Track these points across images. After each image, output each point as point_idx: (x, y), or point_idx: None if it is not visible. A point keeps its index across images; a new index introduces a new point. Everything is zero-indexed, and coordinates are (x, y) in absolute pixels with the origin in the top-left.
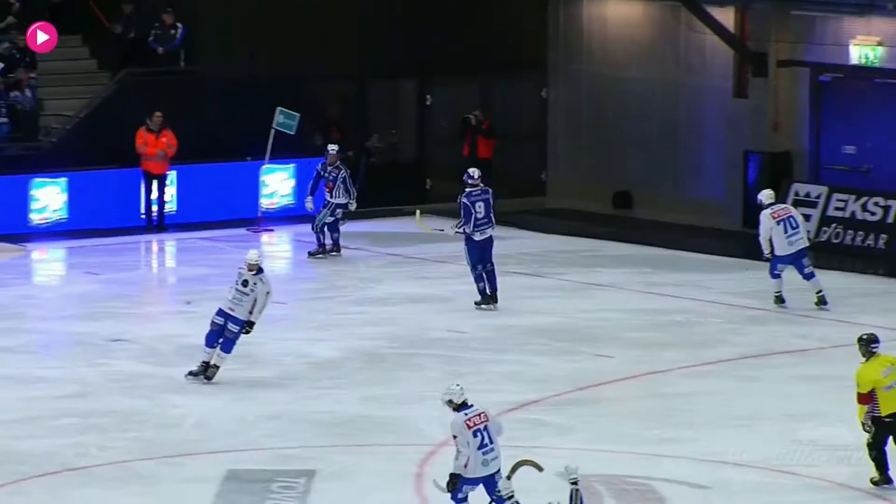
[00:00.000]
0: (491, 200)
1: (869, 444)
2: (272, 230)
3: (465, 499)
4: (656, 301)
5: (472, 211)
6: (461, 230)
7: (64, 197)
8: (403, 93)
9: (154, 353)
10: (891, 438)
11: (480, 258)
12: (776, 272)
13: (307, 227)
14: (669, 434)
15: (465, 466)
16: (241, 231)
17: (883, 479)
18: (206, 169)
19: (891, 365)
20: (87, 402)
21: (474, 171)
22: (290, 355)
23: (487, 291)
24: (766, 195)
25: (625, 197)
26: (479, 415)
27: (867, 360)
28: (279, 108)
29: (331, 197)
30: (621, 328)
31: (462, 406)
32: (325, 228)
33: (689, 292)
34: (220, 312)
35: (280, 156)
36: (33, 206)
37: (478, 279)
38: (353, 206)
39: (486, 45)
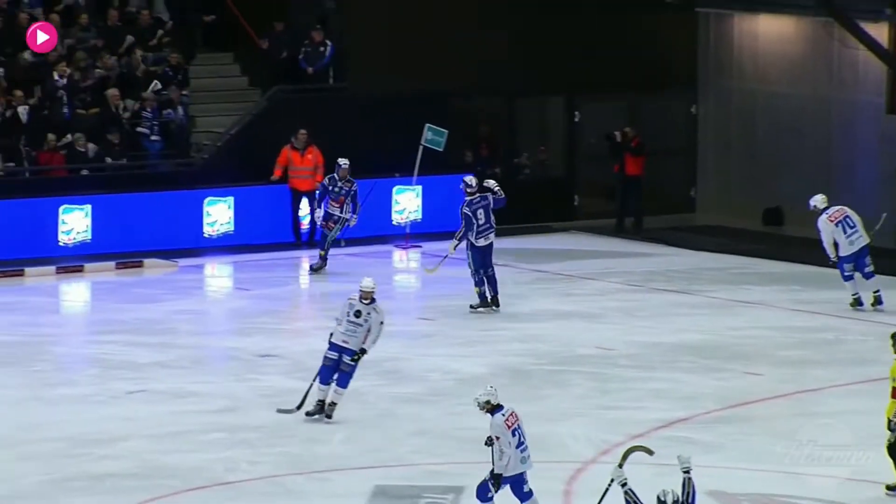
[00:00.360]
0: (491, 205)
1: (892, 446)
2: (420, 246)
3: (492, 498)
4: (806, 319)
5: (474, 220)
6: (459, 242)
7: (230, 213)
8: (552, 109)
9: (303, 369)
10: None
11: (482, 263)
12: (846, 274)
13: (443, 244)
14: (818, 453)
15: (507, 466)
16: (381, 247)
17: None
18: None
19: None
20: (236, 417)
21: (471, 179)
22: (436, 371)
23: (488, 296)
24: (819, 200)
25: (775, 213)
26: (513, 414)
27: None
28: (428, 124)
29: (341, 212)
30: (770, 346)
31: (498, 407)
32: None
33: (839, 310)
34: (333, 347)
35: (427, 172)
36: (205, 220)
37: (479, 283)
38: (352, 223)
39: (635, 62)
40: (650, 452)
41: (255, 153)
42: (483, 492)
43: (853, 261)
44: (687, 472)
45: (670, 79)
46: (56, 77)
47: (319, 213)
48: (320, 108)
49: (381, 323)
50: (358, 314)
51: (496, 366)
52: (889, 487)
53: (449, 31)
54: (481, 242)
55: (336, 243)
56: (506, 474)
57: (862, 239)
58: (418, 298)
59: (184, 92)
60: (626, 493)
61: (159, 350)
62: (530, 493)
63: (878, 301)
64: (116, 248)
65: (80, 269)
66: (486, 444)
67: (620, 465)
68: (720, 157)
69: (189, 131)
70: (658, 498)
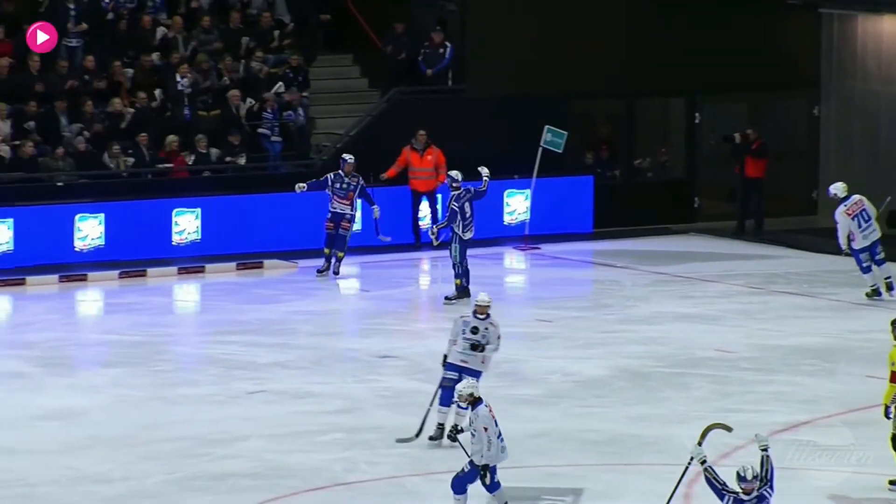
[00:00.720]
0: (473, 199)
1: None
2: (539, 248)
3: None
4: None
5: (461, 213)
6: (443, 229)
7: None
8: (672, 111)
9: (422, 370)
10: None
11: (463, 255)
12: (864, 265)
13: (563, 246)
14: None
15: (493, 456)
16: (492, 249)
17: None
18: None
19: None
20: (354, 418)
21: (457, 174)
22: (556, 373)
23: (465, 285)
24: (839, 188)
25: None
26: (490, 407)
27: None
28: (547, 126)
29: (351, 209)
30: None
31: (479, 400)
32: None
33: None
34: (452, 367)
35: (547, 174)
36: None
37: (460, 275)
38: (376, 214)
39: (756, 63)
40: (728, 429)
41: (374, 154)
42: (459, 484)
43: (868, 251)
44: (765, 449)
45: (792, 80)
46: (178, 79)
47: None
48: (439, 110)
49: (499, 337)
50: (475, 330)
51: (615, 368)
52: (892, 482)
53: (569, 32)
54: (468, 235)
55: (340, 241)
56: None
57: (875, 232)
58: (533, 300)
59: (304, 94)
60: (705, 470)
61: (279, 350)
62: (499, 484)
63: (890, 287)
64: (235, 248)
65: (201, 270)
66: (449, 436)
67: (700, 444)
68: (843, 159)
69: (309, 133)
70: (738, 473)
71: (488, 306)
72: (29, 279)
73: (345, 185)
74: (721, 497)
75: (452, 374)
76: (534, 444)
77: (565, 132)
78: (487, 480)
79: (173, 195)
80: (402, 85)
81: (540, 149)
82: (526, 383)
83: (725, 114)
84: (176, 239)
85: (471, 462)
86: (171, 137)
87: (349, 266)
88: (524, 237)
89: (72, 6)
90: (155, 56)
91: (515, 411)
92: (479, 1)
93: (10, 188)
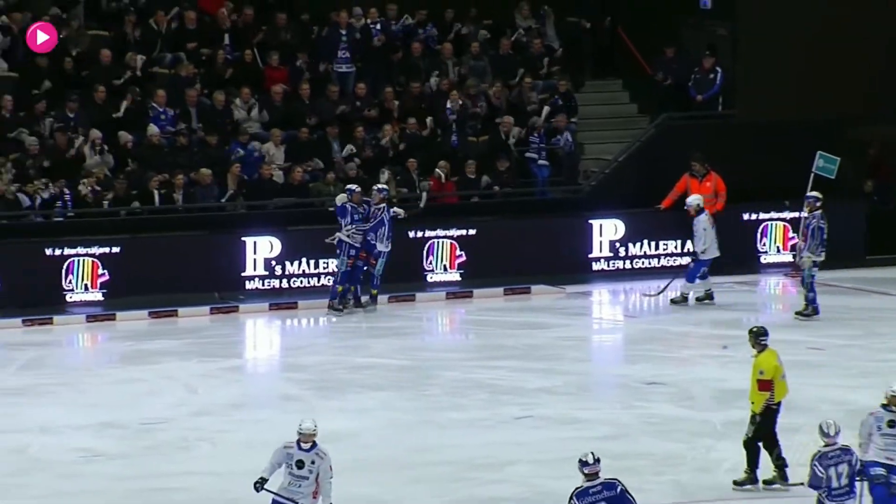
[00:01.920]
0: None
1: (749, 440)
2: (796, 275)
3: None
4: None
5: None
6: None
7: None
8: None
9: (689, 397)
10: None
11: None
12: (701, 274)
13: (835, 273)
14: None
15: None
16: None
17: (750, 479)
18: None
19: (778, 355)
20: (621, 444)
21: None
22: (827, 402)
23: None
24: (698, 199)
25: None
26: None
27: (761, 352)
28: (819, 152)
29: (379, 242)
30: None
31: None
32: (349, 276)
33: None
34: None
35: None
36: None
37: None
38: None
39: None
40: None
41: (642, 180)
42: None
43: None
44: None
45: None
46: (447, 105)
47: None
48: (709, 135)
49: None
50: (301, 464)
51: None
52: (738, 483)
53: (843, 55)
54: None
55: (355, 275)
56: None
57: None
58: (804, 328)
59: (572, 119)
60: None
61: (546, 376)
62: None
63: (709, 297)
64: (502, 273)
65: (468, 295)
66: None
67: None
68: None
69: (577, 158)
70: (820, 428)
71: (313, 435)
72: (301, 303)
73: (368, 214)
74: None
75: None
76: (805, 471)
77: (838, 158)
78: None
79: (438, 220)
80: (671, 110)
81: (812, 175)
82: (797, 411)
83: None
84: (438, 265)
85: None
86: (442, 163)
87: (613, 292)
88: (793, 263)
89: (343, 32)
90: (429, 82)
91: (787, 439)
92: (751, 25)
93: (282, 212)
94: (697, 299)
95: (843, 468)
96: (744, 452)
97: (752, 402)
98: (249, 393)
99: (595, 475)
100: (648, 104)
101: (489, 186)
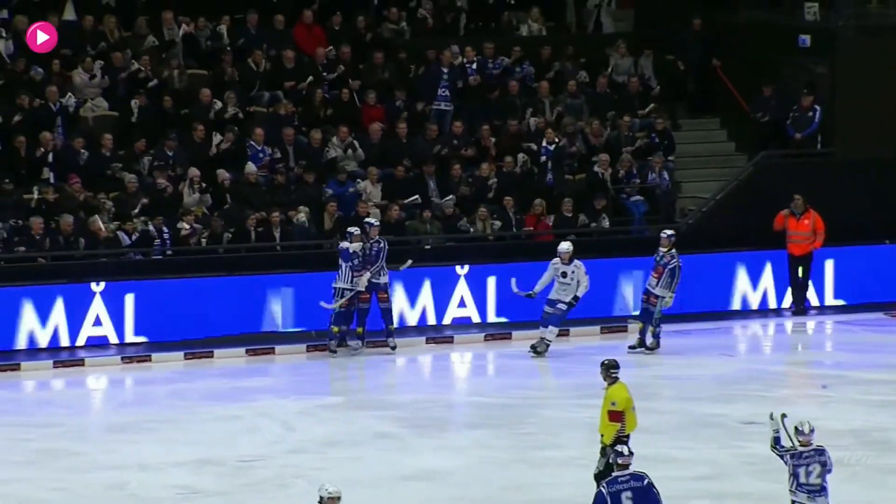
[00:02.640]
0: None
1: (600, 473)
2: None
3: None
4: None
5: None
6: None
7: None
8: None
9: (788, 437)
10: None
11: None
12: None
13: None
14: None
15: None
16: (878, 315)
17: None
18: (847, 252)
19: (628, 388)
20: (720, 484)
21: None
22: None
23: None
24: (568, 246)
25: None
26: None
27: (613, 384)
28: None
29: (377, 277)
30: None
31: None
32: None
33: None
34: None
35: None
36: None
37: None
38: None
39: None
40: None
41: (740, 218)
42: None
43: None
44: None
45: None
46: (544, 143)
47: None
48: (807, 173)
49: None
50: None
51: None
52: None
53: None
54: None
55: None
56: None
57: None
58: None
59: (669, 157)
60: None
61: (643, 415)
62: None
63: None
64: (599, 311)
65: (566, 334)
66: None
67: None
68: None
69: (674, 197)
70: (796, 427)
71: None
72: (399, 341)
73: (366, 252)
74: (782, 458)
75: None
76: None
77: None
78: None
79: (536, 258)
80: (769, 149)
81: None
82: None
83: None
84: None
85: None
86: (538, 201)
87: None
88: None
89: (445, 71)
90: (526, 120)
91: (885, 480)
92: (850, 63)
93: None
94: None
95: (815, 468)
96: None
97: (602, 434)
98: (345, 430)
99: (627, 467)
100: (746, 142)
101: (585, 225)
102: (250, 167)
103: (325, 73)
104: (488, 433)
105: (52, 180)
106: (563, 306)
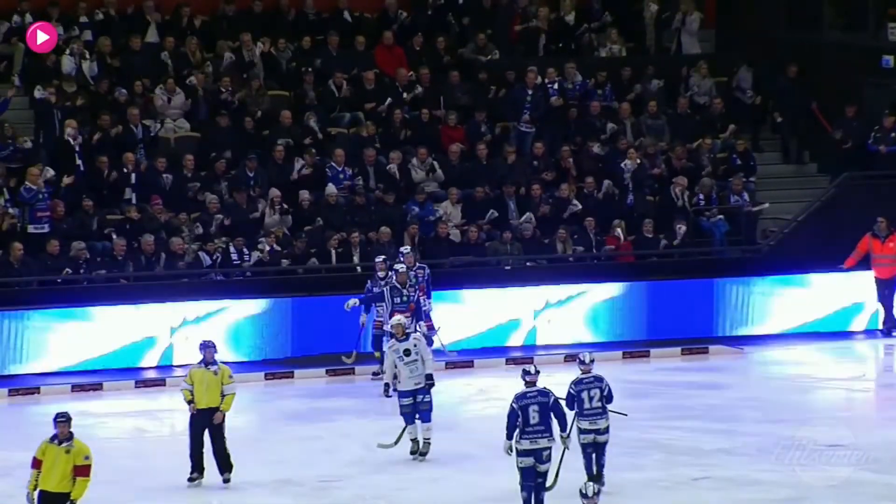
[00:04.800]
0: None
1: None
2: None
3: None
4: None
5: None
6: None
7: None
8: None
9: (872, 460)
10: None
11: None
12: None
13: None
14: None
15: None
16: None
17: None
18: None
19: None
20: None
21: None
22: None
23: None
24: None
25: None
26: None
27: None
28: None
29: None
30: None
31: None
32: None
33: None
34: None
35: None
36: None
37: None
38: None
39: None
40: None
41: (823, 240)
42: None
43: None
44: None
45: None
46: (625, 164)
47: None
48: (891, 195)
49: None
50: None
51: None
52: None
53: None
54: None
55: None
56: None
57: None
58: None
59: (750, 178)
60: None
61: (724, 437)
62: None
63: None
64: (680, 332)
65: (646, 355)
66: None
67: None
68: None
69: (756, 218)
70: (578, 358)
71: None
72: (476, 361)
73: (405, 298)
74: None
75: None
76: None
77: None
78: None
79: (615, 279)
80: (851, 169)
81: None
82: None
83: None
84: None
85: None
86: (617, 222)
87: (794, 352)
88: None
89: (529, 92)
90: (596, 147)
91: None
92: None
93: (459, 271)
94: None
95: (595, 392)
96: None
97: None
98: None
99: (534, 384)
100: (829, 163)
101: (666, 246)
102: (330, 188)
103: (404, 94)
104: (568, 454)
105: (133, 201)
106: (424, 396)
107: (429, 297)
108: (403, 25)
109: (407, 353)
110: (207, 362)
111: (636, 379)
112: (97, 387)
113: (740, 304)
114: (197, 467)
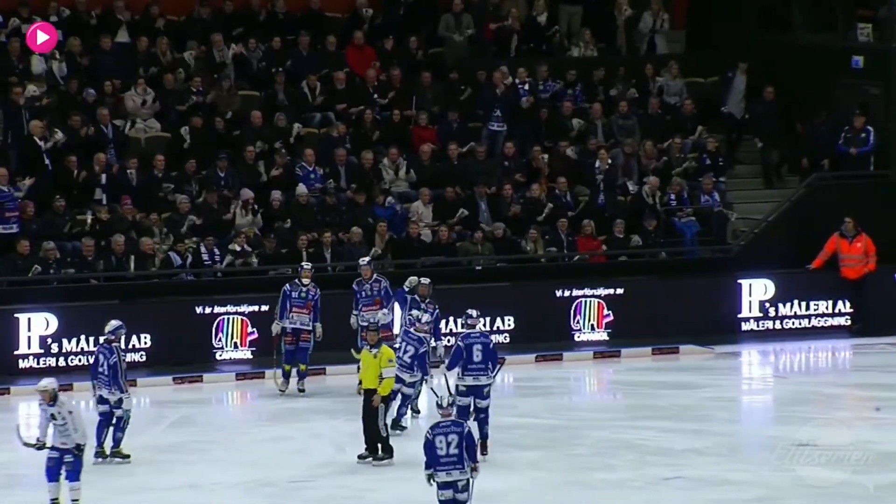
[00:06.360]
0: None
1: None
2: None
3: None
4: None
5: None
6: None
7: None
8: None
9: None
10: None
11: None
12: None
13: None
14: None
15: None
16: None
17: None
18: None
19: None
20: None
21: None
22: None
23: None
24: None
25: None
26: None
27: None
28: None
29: (310, 320)
30: None
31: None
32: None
33: None
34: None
35: None
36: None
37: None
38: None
39: None
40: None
41: (792, 240)
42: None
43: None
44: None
45: None
46: (596, 164)
47: (278, 326)
48: (860, 195)
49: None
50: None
51: None
52: None
53: None
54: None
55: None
56: None
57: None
58: None
59: (720, 178)
60: None
61: (695, 437)
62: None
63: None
64: (649, 333)
65: (616, 355)
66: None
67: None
68: None
69: (726, 217)
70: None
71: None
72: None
73: (302, 294)
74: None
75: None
76: None
77: None
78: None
79: (586, 279)
80: (821, 170)
81: None
82: None
83: None
84: (585, 324)
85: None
86: (587, 221)
87: (763, 352)
88: None
89: (499, 92)
90: (570, 150)
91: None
92: None
93: (431, 271)
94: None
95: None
96: None
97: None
98: (397, 451)
99: (474, 327)
100: (798, 163)
101: (637, 246)
102: (301, 188)
103: (375, 95)
104: (541, 454)
105: (104, 201)
106: (69, 457)
107: (388, 310)
108: (374, 25)
109: (53, 417)
110: (371, 344)
111: (607, 379)
112: (67, 388)
113: (711, 303)
114: (369, 446)
